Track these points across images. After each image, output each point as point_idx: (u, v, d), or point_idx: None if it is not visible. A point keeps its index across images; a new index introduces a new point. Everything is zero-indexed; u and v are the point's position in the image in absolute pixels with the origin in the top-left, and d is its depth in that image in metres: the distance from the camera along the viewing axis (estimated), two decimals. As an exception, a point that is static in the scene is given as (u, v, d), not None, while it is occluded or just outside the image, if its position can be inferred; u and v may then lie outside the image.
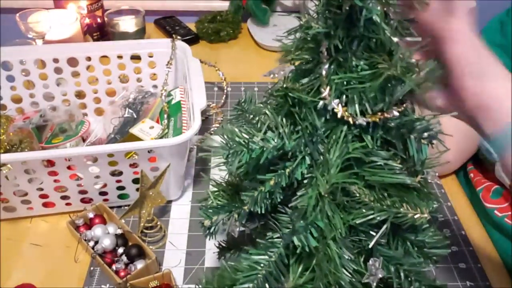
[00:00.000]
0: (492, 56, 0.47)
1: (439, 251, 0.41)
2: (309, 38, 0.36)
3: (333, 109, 0.36)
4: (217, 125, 0.94)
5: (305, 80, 0.37)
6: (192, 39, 1.22)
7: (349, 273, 0.36)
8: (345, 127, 0.36)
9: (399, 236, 0.41)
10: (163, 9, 1.38)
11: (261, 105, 0.39)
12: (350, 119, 0.36)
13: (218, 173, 0.43)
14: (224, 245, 0.53)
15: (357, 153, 0.36)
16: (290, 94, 0.36)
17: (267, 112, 0.37)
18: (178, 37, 0.91)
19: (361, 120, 0.36)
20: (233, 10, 1.31)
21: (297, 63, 0.38)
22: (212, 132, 0.93)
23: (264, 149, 0.35)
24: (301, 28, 0.37)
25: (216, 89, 1.06)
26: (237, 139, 0.35)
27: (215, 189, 0.43)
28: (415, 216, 0.36)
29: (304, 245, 0.36)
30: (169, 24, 1.29)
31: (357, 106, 0.35)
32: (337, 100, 0.36)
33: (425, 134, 0.36)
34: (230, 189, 0.42)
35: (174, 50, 0.89)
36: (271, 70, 0.36)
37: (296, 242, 0.36)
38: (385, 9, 0.34)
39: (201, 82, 0.78)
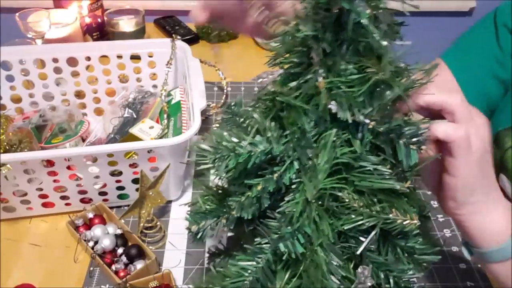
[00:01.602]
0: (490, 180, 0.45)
1: (429, 258, 0.40)
2: (297, 41, 0.36)
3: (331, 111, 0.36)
4: (217, 125, 0.94)
5: (293, 84, 0.36)
6: (192, 39, 1.21)
7: (338, 279, 0.36)
8: (334, 132, 0.36)
9: (389, 242, 0.40)
10: (163, 9, 1.38)
11: (249, 108, 0.39)
12: (356, 118, 0.35)
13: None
14: (214, 250, 0.52)
15: (345, 158, 0.35)
16: (278, 98, 0.35)
17: (255, 116, 0.36)
18: (178, 37, 0.90)
19: (362, 118, 0.35)
20: (234, 9, 1.30)
21: (285, 66, 0.37)
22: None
23: (252, 153, 0.35)
24: (289, 31, 0.36)
25: (216, 89, 1.05)
26: (224, 143, 0.35)
27: (205, 193, 0.42)
28: (404, 223, 0.35)
29: (291, 251, 0.35)
30: (169, 24, 1.28)
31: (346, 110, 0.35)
32: (334, 101, 0.36)
33: (414, 140, 0.35)
34: (220, 194, 0.42)
35: (174, 50, 0.88)
36: (259, 75, 0.36)
37: (282, 248, 0.35)
38: (374, 12, 0.33)
39: (201, 82, 0.78)
